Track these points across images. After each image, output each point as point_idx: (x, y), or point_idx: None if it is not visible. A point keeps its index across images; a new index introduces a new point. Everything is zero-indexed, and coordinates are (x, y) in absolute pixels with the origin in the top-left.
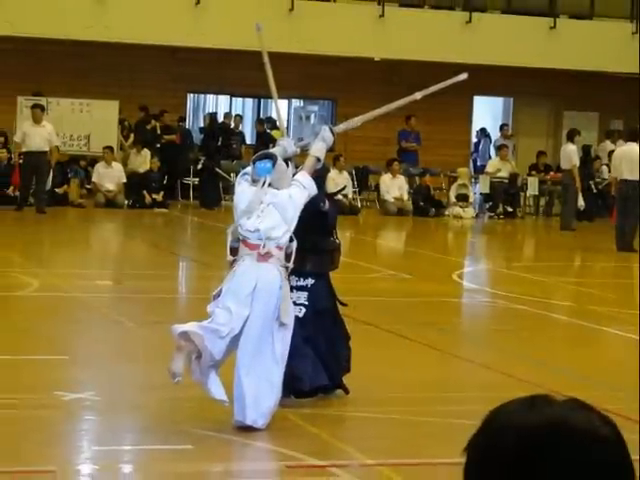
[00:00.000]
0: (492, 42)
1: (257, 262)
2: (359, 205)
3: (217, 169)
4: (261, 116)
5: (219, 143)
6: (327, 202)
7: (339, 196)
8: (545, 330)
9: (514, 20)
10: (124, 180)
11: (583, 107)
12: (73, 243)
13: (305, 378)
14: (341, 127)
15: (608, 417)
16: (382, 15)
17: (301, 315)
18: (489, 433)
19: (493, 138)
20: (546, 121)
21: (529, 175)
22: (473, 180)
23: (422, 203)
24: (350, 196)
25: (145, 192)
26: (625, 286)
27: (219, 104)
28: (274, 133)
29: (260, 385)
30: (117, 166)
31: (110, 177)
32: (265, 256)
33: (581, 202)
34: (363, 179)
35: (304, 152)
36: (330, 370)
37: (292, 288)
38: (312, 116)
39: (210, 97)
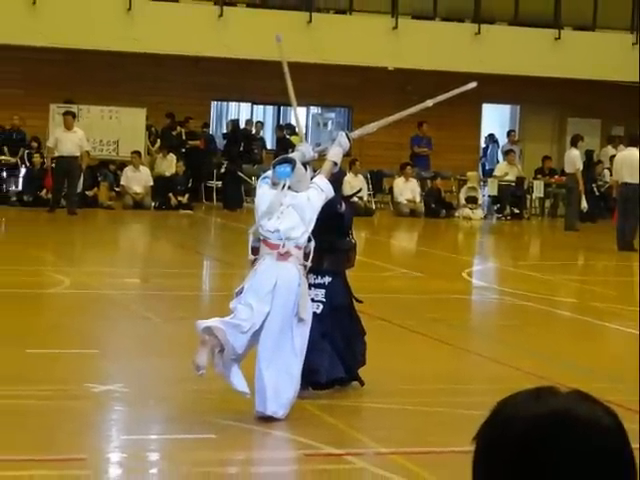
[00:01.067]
0: (500, 52)
1: (277, 261)
2: (374, 207)
3: (239, 173)
4: (281, 122)
5: (241, 148)
6: (343, 204)
7: (355, 198)
8: (550, 325)
9: (521, 31)
10: (151, 183)
11: (586, 114)
12: (102, 243)
13: (322, 371)
14: (356, 133)
15: (610, 408)
16: (395, 27)
17: (319, 311)
18: (497, 423)
19: (501, 143)
20: (551, 127)
21: (535, 179)
22: (482, 183)
23: (433, 205)
24: (365, 198)
25: (171, 194)
26: (626, 284)
27: (241, 111)
28: (293, 139)
29: (280, 378)
30: (144, 170)
31: (138, 180)
32: (285, 255)
33: (584, 204)
34: (377, 182)
35: (322, 157)
36: (346, 363)
37: (310, 285)
38: (329, 123)
39: (232, 104)
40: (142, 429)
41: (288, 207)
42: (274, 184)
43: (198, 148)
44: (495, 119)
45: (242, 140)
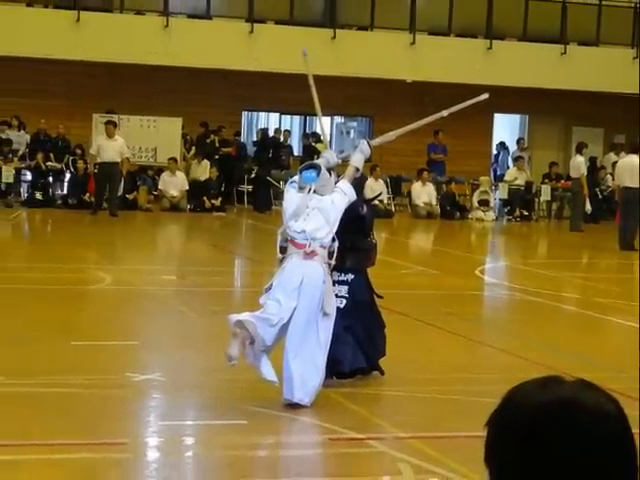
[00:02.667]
0: (510, 66)
1: (303, 260)
2: (393, 209)
3: (268, 177)
4: (307, 131)
5: (270, 155)
6: (365, 207)
7: (376, 201)
8: (556, 319)
9: (529, 47)
10: (186, 187)
11: (590, 123)
12: (141, 243)
13: (345, 361)
14: (377, 141)
15: (612, 395)
16: (413, 42)
17: (342, 306)
18: (507, 410)
19: (511, 150)
20: (557, 136)
21: (542, 183)
22: (493, 187)
23: (448, 208)
24: (385, 201)
25: (205, 198)
26: (627, 280)
27: (270, 120)
28: (318, 146)
29: (306, 368)
30: (180, 175)
31: (174, 185)
32: (310, 254)
33: (588, 206)
34: (397, 186)
35: (345, 162)
36: (368, 354)
37: (334, 282)
38: (352, 131)
39: (262, 114)
40: (178, 415)
41: (314, 209)
42: (301, 188)
43: (230, 155)
44: (505, 128)
45: (271, 147)
